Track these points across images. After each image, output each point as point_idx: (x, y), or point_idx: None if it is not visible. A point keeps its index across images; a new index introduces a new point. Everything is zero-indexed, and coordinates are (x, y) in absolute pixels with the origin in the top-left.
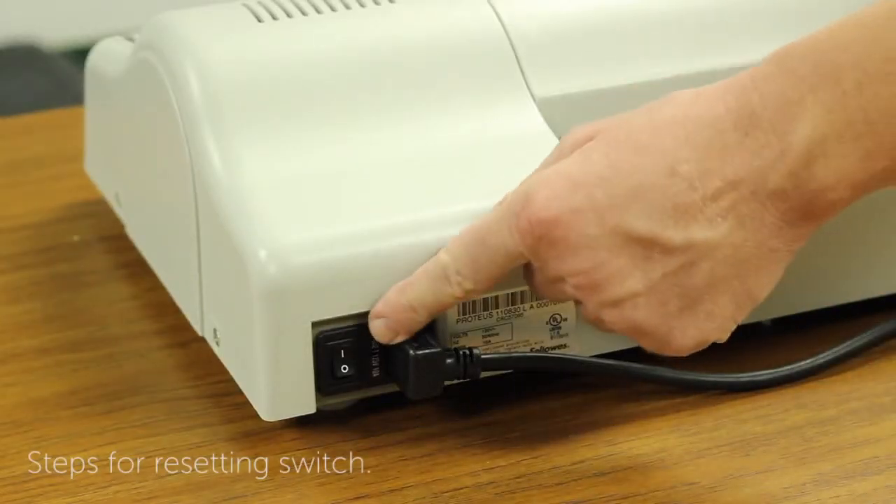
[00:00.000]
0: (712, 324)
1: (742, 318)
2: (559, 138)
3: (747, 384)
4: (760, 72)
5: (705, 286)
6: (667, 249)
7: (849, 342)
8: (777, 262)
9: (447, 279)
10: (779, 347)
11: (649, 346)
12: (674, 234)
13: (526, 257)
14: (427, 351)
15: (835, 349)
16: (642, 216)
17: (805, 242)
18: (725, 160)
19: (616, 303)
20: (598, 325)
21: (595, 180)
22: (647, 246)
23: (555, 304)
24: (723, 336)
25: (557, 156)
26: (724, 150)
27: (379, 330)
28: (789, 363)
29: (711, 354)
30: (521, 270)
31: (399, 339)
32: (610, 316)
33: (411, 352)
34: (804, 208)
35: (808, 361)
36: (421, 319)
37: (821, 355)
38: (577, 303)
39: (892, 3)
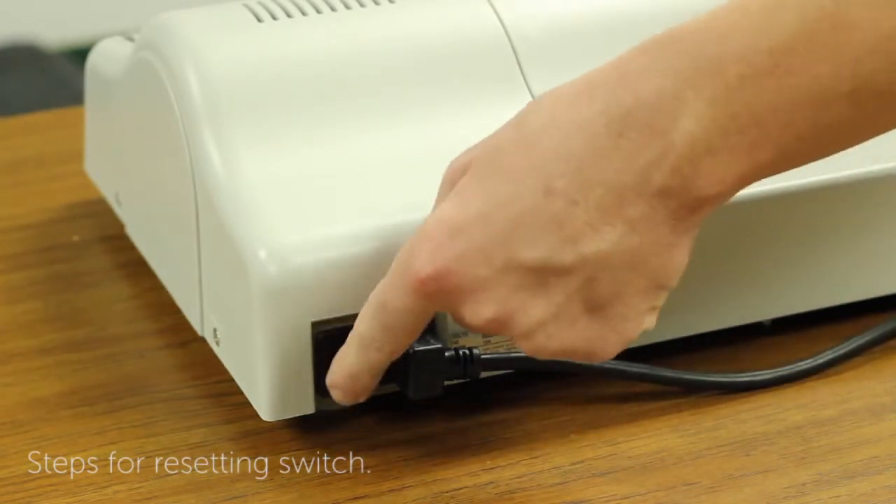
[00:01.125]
0: (629, 322)
1: (660, 303)
2: None
3: (747, 384)
4: (631, 66)
5: (610, 295)
6: (561, 272)
7: (848, 342)
8: (678, 251)
9: (368, 348)
10: (779, 347)
11: (582, 360)
12: (564, 256)
13: (431, 311)
14: (427, 350)
15: (835, 349)
16: (527, 245)
17: (699, 229)
18: (602, 166)
19: (527, 335)
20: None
21: (473, 220)
22: (541, 273)
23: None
24: (648, 325)
25: (440, 198)
26: (598, 156)
27: (338, 397)
28: (789, 363)
29: (712, 354)
30: None
31: (361, 400)
32: (528, 348)
33: (411, 351)
34: (692, 204)
35: (808, 361)
36: (369, 382)
37: (820, 355)
38: None
39: None
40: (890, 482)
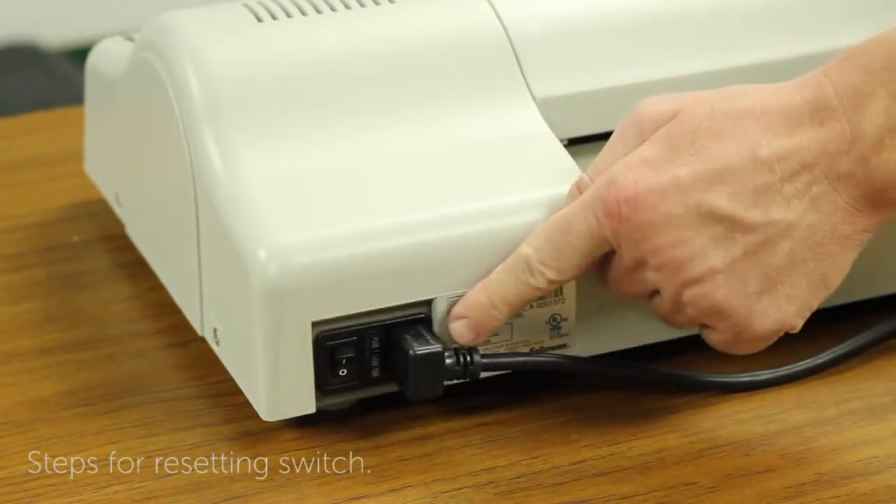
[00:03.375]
0: (791, 307)
1: (817, 304)
2: (559, 138)
3: (747, 384)
4: (833, 67)
5: (784, 266)
6: (748, 228)
7: (849, 342)
8: (849, 249)
9: (530, 271)
10: (779, 347)
11: (727, 331)
12: (755, 214)
13: (609, 243)
14: (427, 351)
15: (835, 349)
16: (725, 196)
17: (872, 235)
18: (802, 145)
19: (698, 280)
20: (672, 315)
21: (680, 164)
22: (729, 225)
23: (630, 300)
24: (798, 323)
25: (637, 135)
26: (801, 137)
27: (460, 331)
28: (789, 363)
29: (712, 354)
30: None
31: (480, 340)
32: (690, 295)
33: (411, 352)
34: (873, 196)
35: (808, 361)
36: (501, 317)
37: (820, 355)
38: (652, 295)
39: None
40: (890, 482)
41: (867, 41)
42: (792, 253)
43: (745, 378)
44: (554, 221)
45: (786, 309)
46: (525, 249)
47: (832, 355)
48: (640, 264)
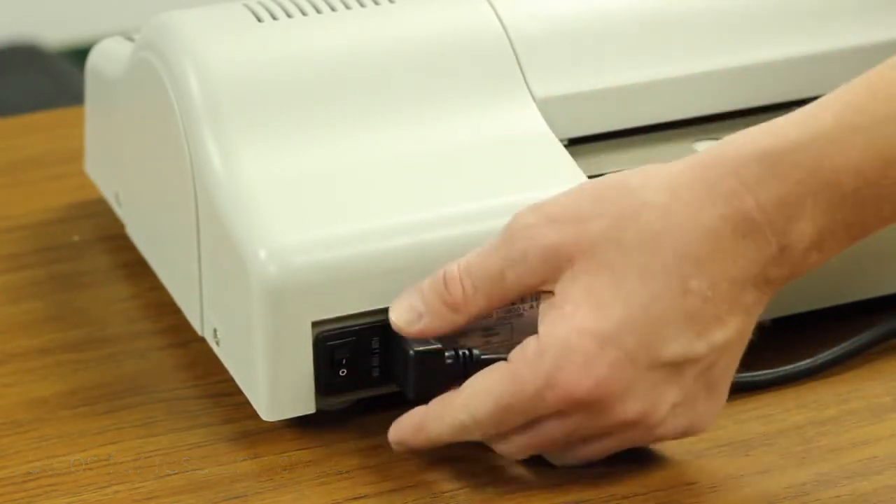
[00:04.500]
0: (725, 393)
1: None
2: (559, 138)
3: (747, 384)
4: (749, 175)
5: (723, 373)
6: (694, 361)
7: (849, 342)
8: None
9: (469, 432)
10: (779, 347)
11: (689, 436)
12: (699, 347)
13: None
14: (427, 349)
15: (834, 349)
16: (668, 343)
17: None
18: (727, 264)
19: (663, 422)
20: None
21: (618, 326)
22: (679, 364)
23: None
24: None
25: (522, 261)
26: (724, 255)
27: (398, 448)
28: (789, 363)
29: None
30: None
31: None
32: (659, 433)
33: (411, 350)
34: (788, 282)
35: (808, 361)
36: (433, 444)
37: (820, 355)
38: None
39: (888, 106)
40: (890, 482)
41: (784, 144)
42: (731, 360)
43: (745, 378)
44: (494, 399)
45: (723, 398)
46: (462, 417)
47: (832, 356)
48: (611, 422)
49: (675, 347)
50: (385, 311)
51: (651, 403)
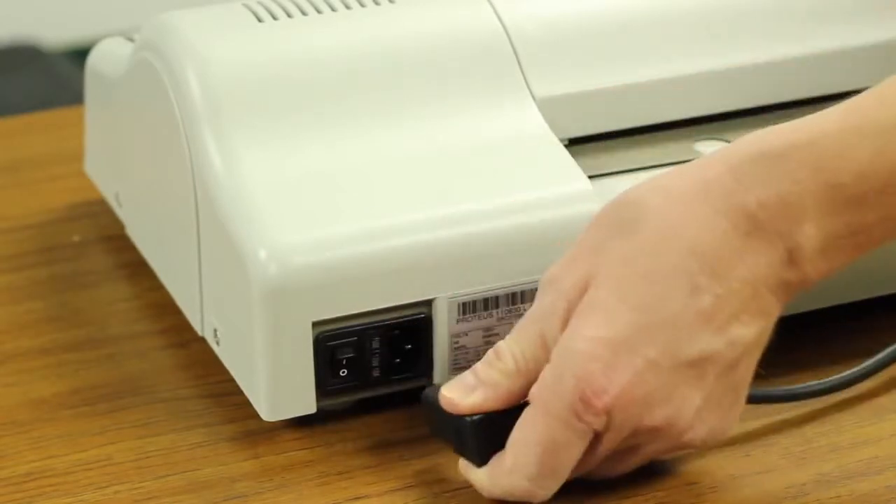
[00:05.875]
0: (742, 403)
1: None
2: (559, 138)
3: (776, 396)
4: (746, 173)
5: (744, 376)
6: (715, 358)
7: (862, 366)
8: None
9: (538, 490)
10: (778, 347)
11: (713, 442)
12: (717, 344)
13: (591, 434)
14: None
15: (852, 370)
16: (687, 343)
17: None
18: (735, 262)
19: (691, 426)
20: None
21: (629, 330)
22: (700, 364)
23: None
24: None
25: (566, 308)
26: (731, 252)
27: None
28: (789, 363)
29: None
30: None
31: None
32: (687, 439)
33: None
34: (800, 290)
35: (818, 383)
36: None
37: (827, 380)
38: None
39: (891, 113)
40: (890, 482)
41: (781, 141)
42: (751, 362)
43: (780, 392)
44: (536, 440)
45: (741, 404)
46: (515, 481)
47: (841, 379)
48: (640, 428)
49: (694, 346)
50: (385, 311)
51: (676, 408)
